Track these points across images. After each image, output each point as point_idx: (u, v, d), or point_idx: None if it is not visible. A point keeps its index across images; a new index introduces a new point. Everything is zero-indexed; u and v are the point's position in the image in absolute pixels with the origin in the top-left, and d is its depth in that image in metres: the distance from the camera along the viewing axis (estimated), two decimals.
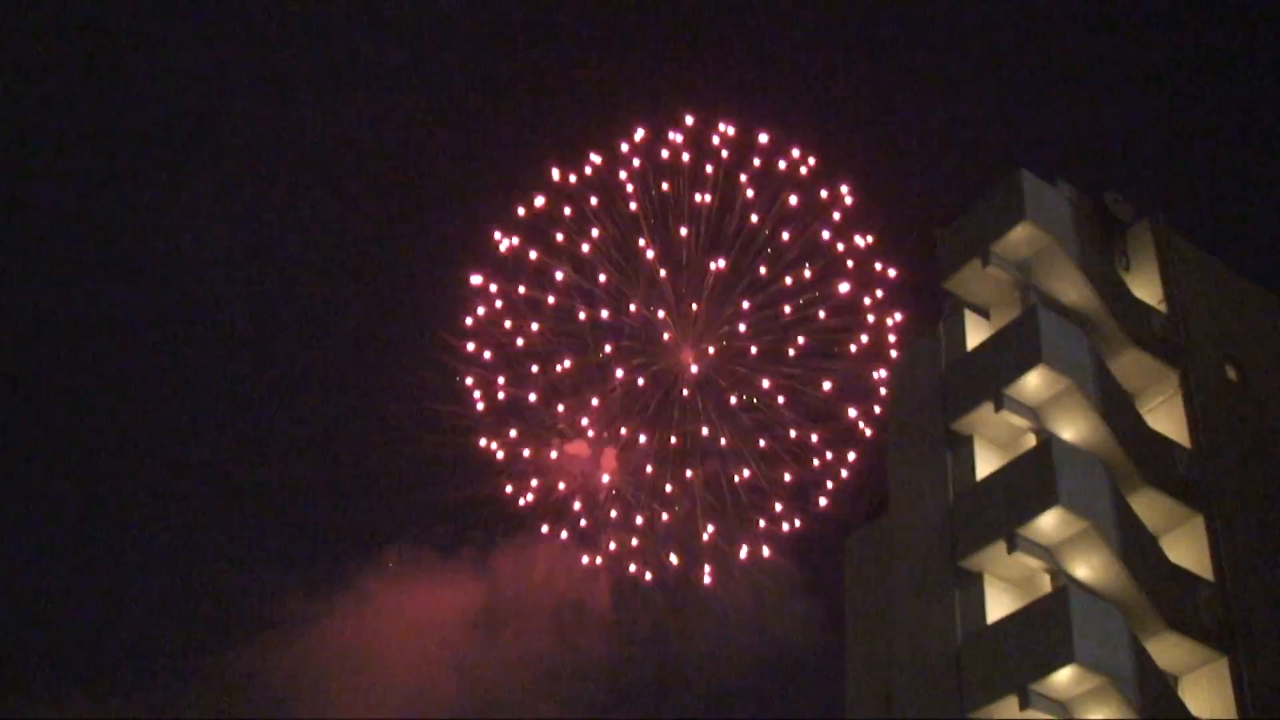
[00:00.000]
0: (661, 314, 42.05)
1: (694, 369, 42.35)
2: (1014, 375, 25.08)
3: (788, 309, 41.79)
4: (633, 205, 41.84)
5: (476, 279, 42.32)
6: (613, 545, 43.92)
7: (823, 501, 41.86)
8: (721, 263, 41.53)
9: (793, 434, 42.01)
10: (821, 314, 41.60)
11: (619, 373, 41.96)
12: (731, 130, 41.97)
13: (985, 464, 25.60)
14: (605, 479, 43.33)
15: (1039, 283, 26.95)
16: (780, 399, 42.07)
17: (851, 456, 41.83)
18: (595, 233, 41.84)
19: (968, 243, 27.48)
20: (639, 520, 43.27)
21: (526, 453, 43.29)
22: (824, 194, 41.85)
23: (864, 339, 41.13)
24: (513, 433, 43.07)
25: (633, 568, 43.78)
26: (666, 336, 42.23)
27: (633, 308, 41.96)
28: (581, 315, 41.99)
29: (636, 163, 42.09)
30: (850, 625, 30.13)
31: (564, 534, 43.85)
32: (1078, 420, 25.03)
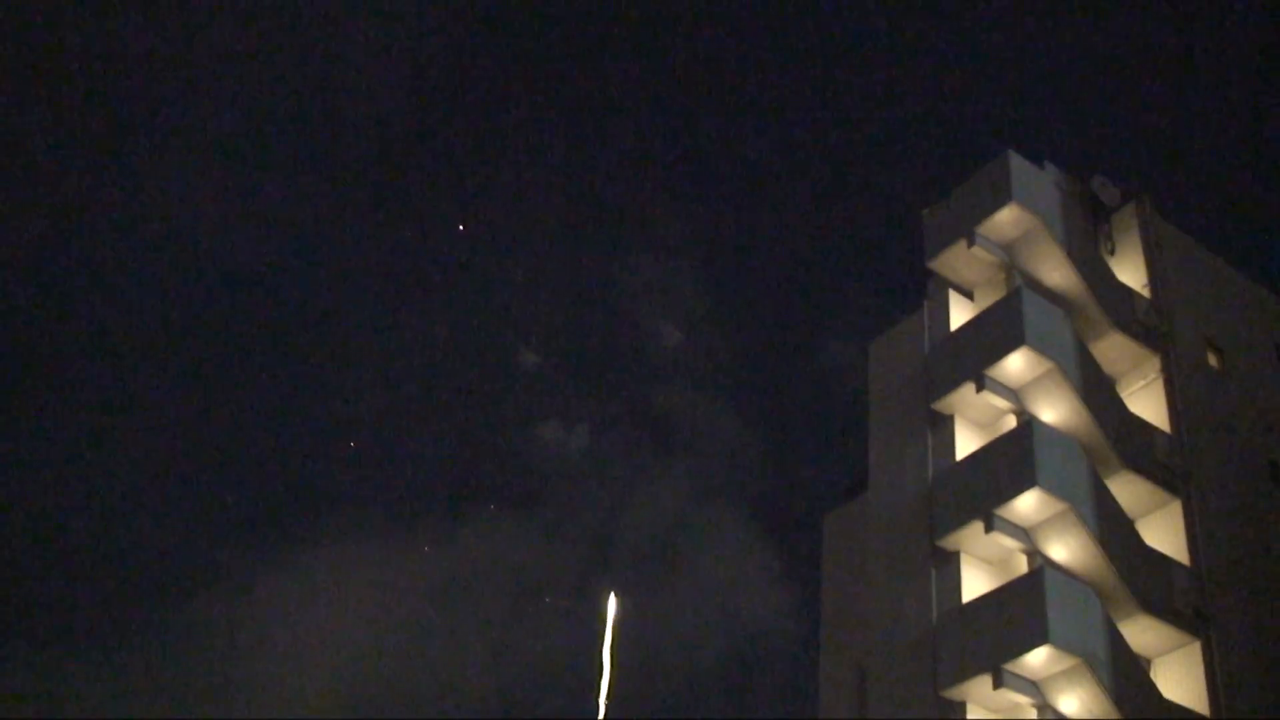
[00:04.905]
0: None
1: None
2: (996, 356, 25.09)
3: None
4: None
5: None
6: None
7: None
8: None
9: None
10: None
11: None
12: None
13: (965, 444, 25.63)
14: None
15: (1024, 265, 26.94)
16: None
17: None
18: None
19: (954, 223, 27.44)
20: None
21: None
22: None
23: None
24: None
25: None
26: None
27: None
28: None
29: None
30: (826, 602, 30.21)
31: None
32: (1058, 403, 25.06)
